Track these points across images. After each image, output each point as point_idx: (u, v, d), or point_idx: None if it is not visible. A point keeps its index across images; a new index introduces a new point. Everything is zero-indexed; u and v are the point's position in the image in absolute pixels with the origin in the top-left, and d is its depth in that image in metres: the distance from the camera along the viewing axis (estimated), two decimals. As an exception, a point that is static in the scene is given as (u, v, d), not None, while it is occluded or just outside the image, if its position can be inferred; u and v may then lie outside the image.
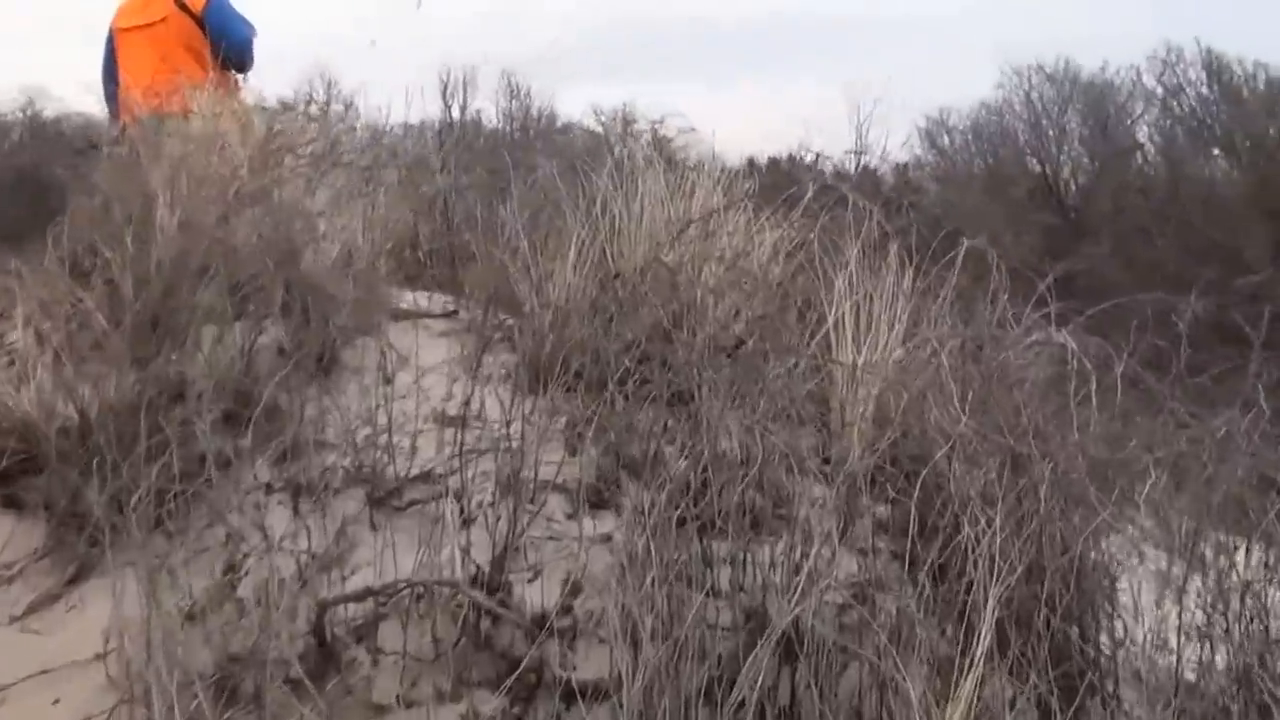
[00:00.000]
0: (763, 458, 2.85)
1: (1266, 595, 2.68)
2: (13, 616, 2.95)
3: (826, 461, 3.06)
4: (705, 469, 2.89)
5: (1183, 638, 2.64)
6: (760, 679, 2.31)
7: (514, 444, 3.10)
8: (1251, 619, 2.64)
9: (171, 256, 3.77)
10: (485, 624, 2.69)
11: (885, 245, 3.51)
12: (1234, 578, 2.65)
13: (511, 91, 25.15)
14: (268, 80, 6.34)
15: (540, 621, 2.67)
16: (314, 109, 5.37)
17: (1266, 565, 2.72)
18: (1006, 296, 3.41)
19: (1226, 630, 2.62)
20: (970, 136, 22.83)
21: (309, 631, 2.67)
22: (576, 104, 40.05)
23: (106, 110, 6.13)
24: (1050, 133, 21.07)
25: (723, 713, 2.33)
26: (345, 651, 2.67)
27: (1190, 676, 2.63)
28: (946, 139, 23.27)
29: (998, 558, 2.34)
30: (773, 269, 3.68)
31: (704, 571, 2.68)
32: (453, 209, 4.69)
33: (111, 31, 6.04)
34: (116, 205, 4.24)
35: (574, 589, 2.77)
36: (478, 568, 2.81)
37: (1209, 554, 2.63)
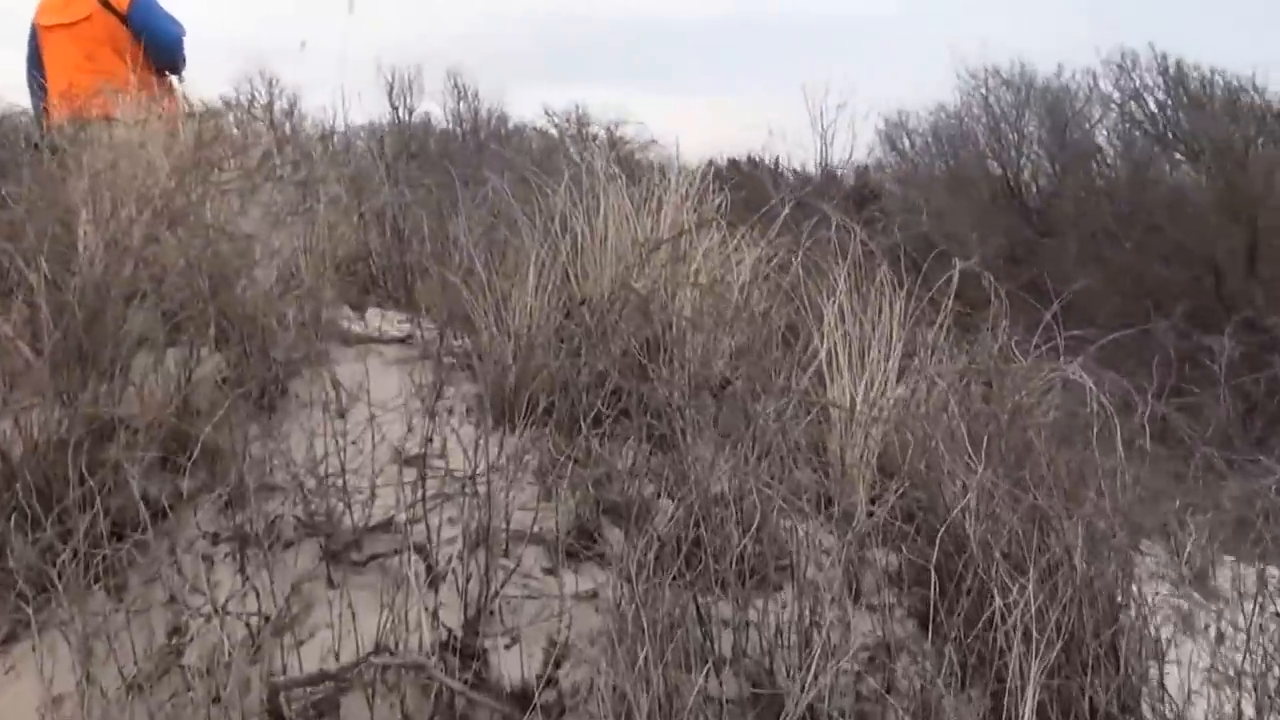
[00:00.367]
0: (761, 508, 2.64)
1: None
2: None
3: (828, 508, 2.86)
4: (697, 520, 2.69)
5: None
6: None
7: (481, 488, 2.88)
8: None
9: (95, 279, 3.50)
10: (460, 700, 2.47)
11: (871, 266, 3.31)
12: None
13: (459, 92, 24.79)
14: (204, 81, 6.00)
15: (521, 698, 2.45)
16: (256, 110, 5.05)
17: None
18: (1006, 324, 3.24)
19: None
20: (930, 139, 22.88)
21: (264, 710, 2.43)
22: (527, 105, 39.59)
23: (32, 110, 5.79)
24: (1010, 136, 21.14)
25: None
26: (305, 732, 2.44)
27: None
28: (906, 141, 23.30)
29: (1034, 630, 2.15)
30: (753, 295, 3.46)
31: (703, 638, 2.48)
32: (402, 223, 4.44)
33: (34, 28, 5.72)
34: (35, 219, 3.96)
35: (558, 657, 2.56)
36: (449, 633, 2.59)
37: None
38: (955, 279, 3.41)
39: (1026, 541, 2.42)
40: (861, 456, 2.90)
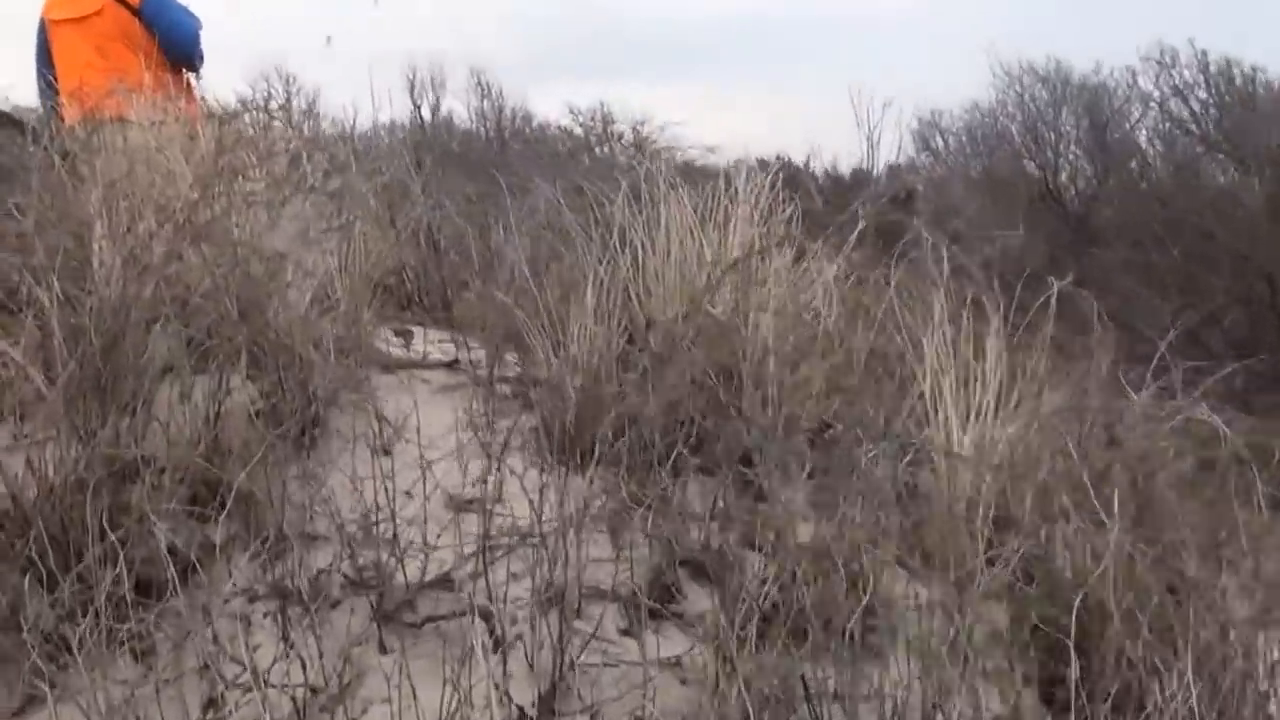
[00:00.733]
0: (867, 566, 2.39)
1: None
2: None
3: (939, 564, 2.60)
4: (792, 576, 2.44)
5: None
6: None
7: (546, 537, 2.63)
8: None
9: (113, 300, 3.24)
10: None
11: (964, 289, 3.05)
12: None
13: (482, 91, 24.58)
14: (220, 78, 5.76)
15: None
16: (274, 111, 4.79)
17: None
18: (1112, 357, 2.99)
19: None
20: (964, 138, 22.64)
21: (317, 803, 2.19)
22: (550, 103, 39.28)
23: (41, 109, 5.53)
24: (1048, 136, 20.88)
25: None
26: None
27: None
28: (940, 140, 23.06)
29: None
30: (840, 322, 3.18)
31: (811, 716, 2.23)
32: (438, 235, 4.18)
33: (43, 22, 5.46)
34: (45, 233, 3.70)
35: (646, 738, 2.31)
36: (520, 712, 2.33)
37: None
38: (1054, 301, 3.16)
39: (1179, 618, 2.17)
40: (980, 508, 2.63)
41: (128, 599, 2.49)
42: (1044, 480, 2.60)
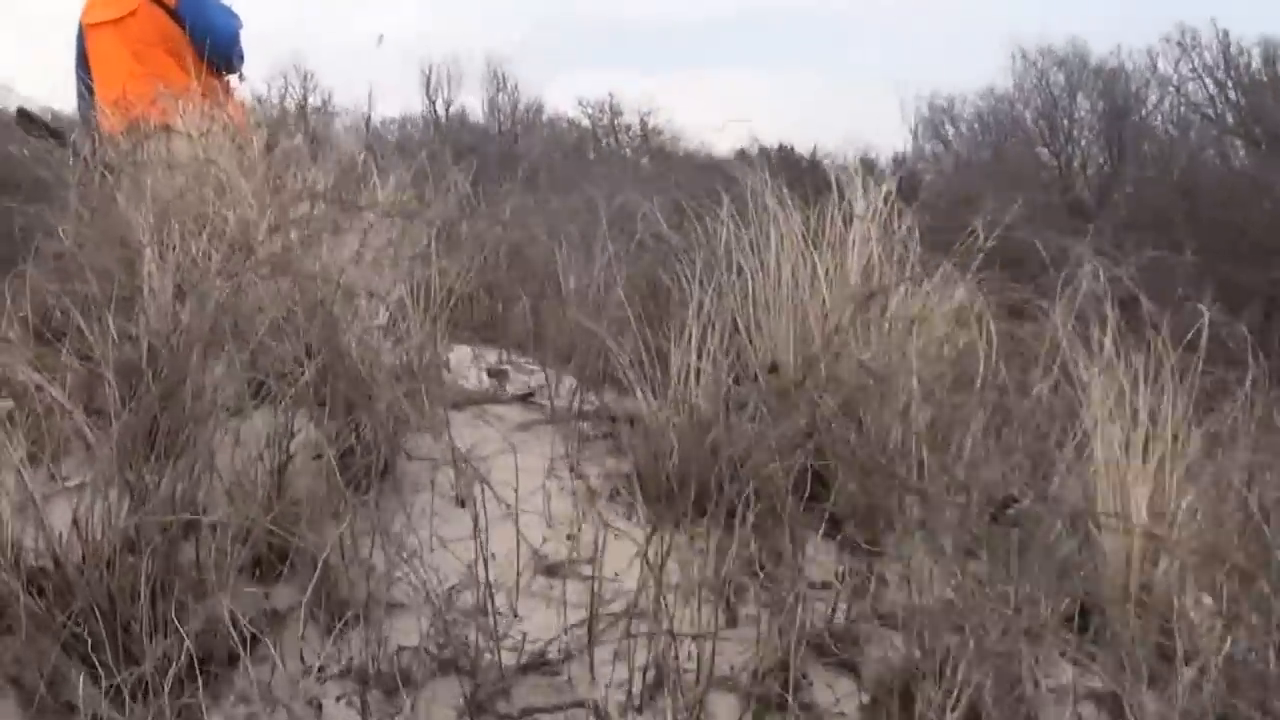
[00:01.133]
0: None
1: None
2: None
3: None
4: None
5: None
6: None
7: (654, 609, 2.35)
8: None
9: (167, 334, 2.99)
10: None
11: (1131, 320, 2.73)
12: None
13: (498, 84, 24.50)
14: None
15: None
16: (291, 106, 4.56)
17: None
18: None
19: None
20: (977, 125, 22.39)
21: None
22: (552, 95, 39.22)
23: (80, 116, 5.32)
24: (1063, 121, 20.55)
25: None
26: None
27: None
28: (950, 127, 22.80)
29: None
30: (997, 362, 2.83)
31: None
32: (501, 253, 3.92)
33: (81, 27, 5.28)
34: (88, 255, 3.46)
35: None
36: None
37: None
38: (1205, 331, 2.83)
39: None
40: (1191, 598, 2.30)
41: (181, 677, 2.24)
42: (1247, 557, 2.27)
